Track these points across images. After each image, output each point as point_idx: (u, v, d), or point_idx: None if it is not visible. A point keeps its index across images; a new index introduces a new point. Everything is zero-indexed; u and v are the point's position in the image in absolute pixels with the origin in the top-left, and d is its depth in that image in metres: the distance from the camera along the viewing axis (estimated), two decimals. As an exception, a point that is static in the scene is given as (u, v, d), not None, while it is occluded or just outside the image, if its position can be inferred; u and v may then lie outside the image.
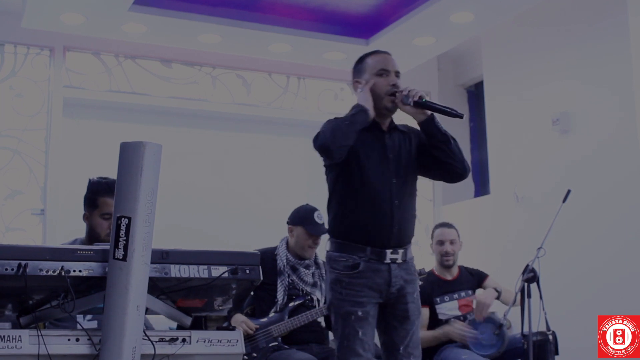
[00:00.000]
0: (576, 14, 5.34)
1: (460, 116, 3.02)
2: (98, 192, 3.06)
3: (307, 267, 4.16)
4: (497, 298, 4.46)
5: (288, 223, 4.23)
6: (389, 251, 3.00)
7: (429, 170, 3.16)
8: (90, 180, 3.13)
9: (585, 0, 5.26)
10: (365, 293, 2.98)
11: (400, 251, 3.03)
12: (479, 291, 4.63)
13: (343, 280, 3.00)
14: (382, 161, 3.06)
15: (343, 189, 3.08)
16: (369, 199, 3.01)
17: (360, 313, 2.96)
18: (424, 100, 3.02)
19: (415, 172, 3.14)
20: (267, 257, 4.09)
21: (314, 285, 4.16)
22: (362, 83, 3.14)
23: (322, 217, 4.14)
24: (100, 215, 3.04)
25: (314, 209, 4.18)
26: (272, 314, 4.07)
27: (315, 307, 4.11)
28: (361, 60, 3.22)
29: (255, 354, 3.96)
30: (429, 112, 3.05)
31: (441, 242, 4.66)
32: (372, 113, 3.04)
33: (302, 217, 4.17)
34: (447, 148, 3.05)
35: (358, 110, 3.04)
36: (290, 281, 4.11)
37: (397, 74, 3.13)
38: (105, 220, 3.02)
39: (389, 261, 3.01)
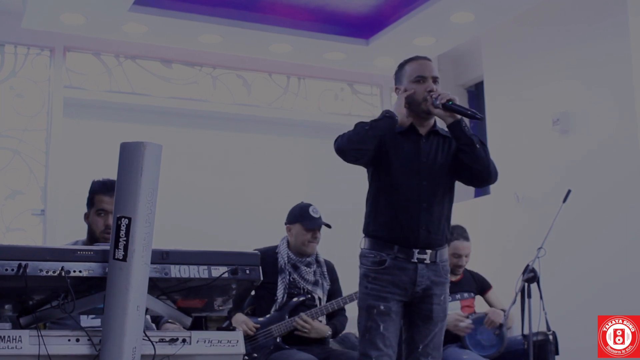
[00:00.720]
0: (576, 14, 5.34)
1: (478, 118, 3.12)
2: (94, 191, 3.10)
3: (308, 265, 4.16)
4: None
5: (286, 224, 4.23)
6: (416, 251, 3.06)
7: (458, 173, 3.19)
8: (92, 181, 3.17)
9: (585, 1, 5.26)
10: (390, 289, 3.05)
11: (429, 252, 3.08)
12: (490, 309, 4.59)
13: (369, 275, 3.09)
14: (414, 164, 3.12)
15: (375, 189, 3.18)
16: (398, 199, 3.09)
17: (382, 307, 3.04)
18: (450, 103, 3.07)
19: (450, 176, 3.18)
20: (268, 255, 4.10)
21: (315, 283, 4.16)
22: (401, 90, 3.21)
23: (318, 211, 4.18)
24: (95, 213, 3.06)
25: (309, 205, 4.20)
26: (272, 313, 4.07)
27: (316, 306, 4.11)
28: (401, 67, 3.29)
29: (255, 354, 3.96)
30: (458, 116, 3.09)
31: (457, 256, 4.59)
32: (402, 119, 3.12)
33: (297, 214, 4.19)
34: (471, 151, 3.08)
35: (383, 116, 3.11)
36: (291, 279, 4.11)
37: (434, 79, 3.20)
38: (99, 217, 3.04)
39: (416, 260, 3.06)
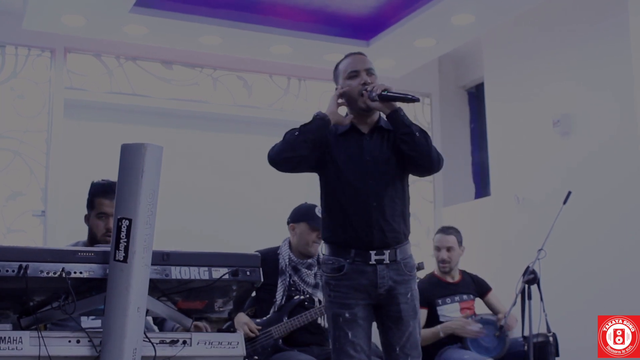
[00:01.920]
0: (577, 15, 5.34)
1: (415, 100, 3.02)
2: (95, 193, 3.10)
3: (309, 267, 4.15)
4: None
5: (289, 222, 4.22)
6: (373, 252, 3.00)
7: (404, 164, 3.11)
8: (91, 183, 3.16)
9: (586, 1, 5.26)
10: (352, 295, 3.00)
11: (387, 252, 3.01)
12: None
13: (330, 283, 3.04)
14: (358, 164, 3.06)
15: (325, 194, 3.13)
16: (347, 201, 3.03)
17: (347, 315, 2.98)
18: (384, 92, 3.01)
19: (399, 171, 3.11)
20: (269, 257, 4.09)
21: (316, 286, 4.15)
22: (338, 89, 3.17)
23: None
24: (96, 216, 3.06)
25: (314, 205, 4.17)
26: (270, 314, 4.07)
27: (314, 307, 4.10)
28: (336, 67, 3.25)
29: (256, 357, 3.96)
30: (396, 105, 3.03)
31: (437, 249, 4.66)
32: (336, 119, 3.07)
33: (303, 213, 4.18)
34: (411, 140, 3.01)
35: (313, 118, 3.07)
36: (291, 282, 4.11)
37: (368, 71, 3.14)
38: (100, 221, 3.04)
39: (374, 262, 3.00)
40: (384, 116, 3.12)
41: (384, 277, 3.01)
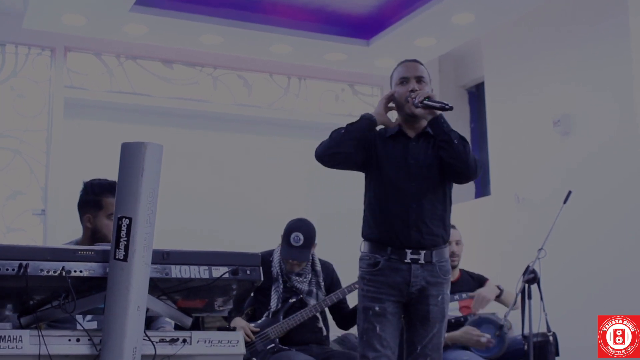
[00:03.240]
0: (577, 16, 5.34)
1: (448, 108, 3.06)
2: (102, 193, 3.03)
3: (299, 275, 4.14)
4: (498, 296, 4.45)
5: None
6: (409, 251, 3.08)
7: (444, 171, 3.19)
8: (89, 183, 3.11)
9: (586, 2, 5.26)
10: (384, 290, 3.07)
11: (423, 252, 3.09)
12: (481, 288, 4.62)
13: (365, 278, 3.14)
14: (402, 166, 3.15)
15: (368, 193, 3.23)
16: (388, 202, 3.13)
17: (377, 308, 3.06)
18: (426, 100, 3.08)
19: (440, 177, 3.18)
20: (264, 260, 4.07)
21: (309, 293, 4.13)
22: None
23: (301, 239, 4.05)
24: (106, 217, 3.00)
25: (295, 229, 4.06)
26: (264, 318, 4.05)
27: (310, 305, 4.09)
28: (393, 72, 3.32)
29: (254, 358, 3.95)
30: (438, 112, 3.10)
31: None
32: (382, 120, 3.18)
33: (284, 234, 4.11)
34: (450, 147, 3.09)
35: (360, 118, 3.19)
36: (285, 287, 4.10)
37: (418, 79, 3.21)
38: (112, 221, 2.99)
39: (409, 261, 3.08)
40: None
41: (417, 276, 3.08)
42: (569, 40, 5.39)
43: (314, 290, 4.15)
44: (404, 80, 3.20)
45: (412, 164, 3.15)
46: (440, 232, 3.16)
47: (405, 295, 3.09)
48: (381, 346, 3.04)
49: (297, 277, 4.12)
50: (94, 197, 3.05)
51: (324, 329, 4.18)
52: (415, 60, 3.31)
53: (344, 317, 4.22)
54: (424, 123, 3.23)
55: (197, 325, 2.45)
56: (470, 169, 3.12)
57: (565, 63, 5.41)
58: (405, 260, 3.07)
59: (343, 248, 4.70)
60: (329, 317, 4.28)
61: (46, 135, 5.51)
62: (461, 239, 4.71)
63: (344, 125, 3.16)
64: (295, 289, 4.10)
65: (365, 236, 3.20)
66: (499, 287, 4.46)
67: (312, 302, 4.10)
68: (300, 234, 4.06)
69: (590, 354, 4.03)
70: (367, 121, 3.15)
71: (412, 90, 3.15)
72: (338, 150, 3.14)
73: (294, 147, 6.36)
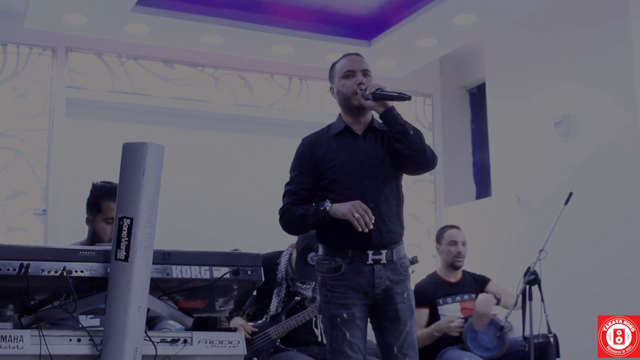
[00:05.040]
0: (578, 17, 5.34)
1: (407, 98, 3.03)
2: (101, 197, 3.05)
3: (303, 282, 4.13)
4: (497, 304, 4.46)
5: (295, 244, 4.15)
6: (370, 252, 3.02)
7: (398, 164, 3.13)
8: (93, 184, 3.13)
9: (588, 3, 5.26)
10: (350, 295, 3.01)
11: (384, 252, 3.04)
12: (478, 299, 4.62)
13: (327, 283, 3.06)
14: (354, 165, 3.09)
15: (322, 197, 3.11)
16: (343, 202, 3.02)
17: (345, 315, 3.00)
18: (378, 91, 3.03)
19: (393, 172, 3.13)
20: (270, 263, 4.07)
21: (312, 300, 4.12)
22: (333, 89, 3.22)
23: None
24: (103, 220, 3.03)
25: (312, 249, 4.01)
26: (264, 320, 4.05)
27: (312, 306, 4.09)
28: (332, 66, 3.27)
29: (255, 358, 3.95)
30: (390, 104, 3.05)
31: (454, 243, 4.67)
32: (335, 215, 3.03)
33: (300, 251, 4.07)
34: (405, 138, 3.03)
35: (319, 212, 3.06)
36: (287, 292, 4.09)
37: (364, 72, 3.15)
38: (108, 225, 3.01)
39: (372, 262, 3.02)
40: (377, 117, 3.14)
41: (381, 277, 3.03)
42: (570, 41, 5.39)
43: (317, 297, 4.13)
44: (349, 74, 3.14)
45: (363, 162, 3.09)
46: (397, 229, 3.11)
47: (371, 297, 3.03)
48: (352, 351, 2.98)
49: (301, 284, 4.10)
50: (95, 199, 3.07)
51: (316, 331, 4.15)
52: (358, 54, 3.25)
53: None
54: (369, 118, 3.18)
55: (199, 326, 2.45)
56: (428, 159, 3.07)
57: (566, 64, 5.41)
58: (368, 262, 3.02)
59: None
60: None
61: (47, 135, 5.50)
62: (466, 240, 4.73)
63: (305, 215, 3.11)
64: (297, 294, 4.09)
65: (323, 239, 3.12)
66: (495, 295, 4.46)
67: (315, 310, 4.08)
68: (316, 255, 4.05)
69: (591, 355, 4.03)
70: (322, 219, 3.04)
71: (360, 83, 3.10)
72: (297, 232, 3.33)
73: (295, 148, 6.34)
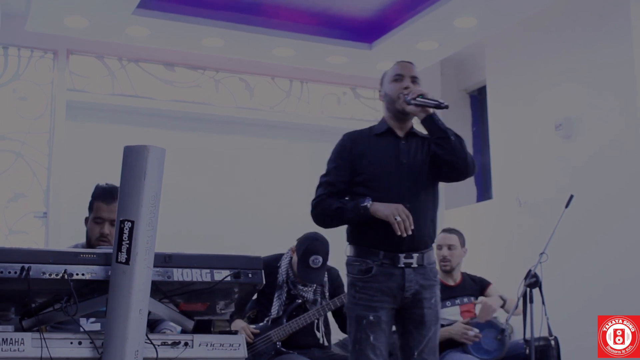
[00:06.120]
0: (579, 19, 5.34)
1: (444, 107, 3.05)
2: (94, 196, 3.08)
3: (305, 285, 4.12)
4: (502, 307, 4.45)
5: (295, 247, 4.12)
6: (402, 255, 3.02)
7: (438, 170, 3.14)
8: (95, 185, 3.16)
9: (588, 6, 5.26)
10: (379, 297, 3.01)
11: (415, 255, 3.04)
12: (484, 298, 4.62)
13: (357, 285, 3.05)
14: (394, 166, 3.10)
15: (355, 193, 3.11)
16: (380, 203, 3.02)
17: (372, 317, 3.00)
18: (420, 97, 3.06)
19: (432, 177, 3.15)
20: (271, 266, 4.07)
21: (314, 302, 4.11)
22: (382, 93, 3.25)
23: (320, 261, 3.98)
24: (93, 219, 3.04)
25: (314, 252, 3.97)
26: (265, 322, 4.04)
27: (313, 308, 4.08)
28: (385, 72, 3.30)
29: (256, 361, 3.95)
30: (431, 110, 3.07)
31: (439, 247, 4.67)
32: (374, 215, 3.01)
33: (302, 255, 4.00)
34: (446, 144, 3.05)
35: (358, 209, 3.04)
36: (291, 294, 4.08)
37: (413, 79, 3.18)
38: (96, 225, 3.00)
39: (403, 265, 3.03)
40: (418, 123, 3.17)
41: (411, 280, 3.04)
42: (571, 43, 5.39)
43: (319, 299, 4.12)
44: (398, 78, 3.17)
45: (404, 164, 3.10)
46: (430, 234, 3.13)
47: (399, 300, 3.04)
48: (374, 355, 2.98)
49: (302, 287, 4.09)
50: (91, 198, 3.10)
51: (317, 334, 4.14)
52: (410, 62, 3.28)
53: (345, 321, 4.21)
54: (411, 123, 3.21)
55: (201, 329, 2.45)
56: (468, 165, 3.09)
57: (567, 66, 5.41)
58: (399, 265, 3.02)
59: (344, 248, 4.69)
60: (331, 320, 4.27)
61: (48, 138, 5.51)
62: (457, 244, 4.68)
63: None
64: (299, 296, 4.09)
65: (354, 240, 3.12)
66: (501, 297, 4.46)
67: (316, 313, 4.06)
68: (319, 257, 3.99)
69: (591, 356, 4.02)
70: (361, 216, 3.03)
71: (406, 88, 3.12)
72: (329, 225, 3.17)
73: (295, 150, 6.36)
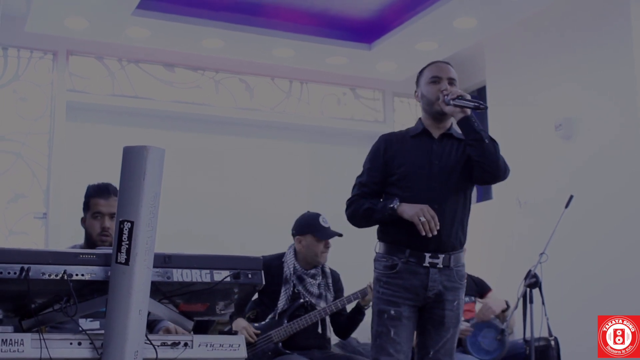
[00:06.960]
0: (579, 19, 5.34)
1: (483, 108, 3.09)
2: (89, 195, 3.13)
3: (313, 276, 4.12)
4: (504, 311, 4.45)
5: (294, 234, 4.17)
6: (427, 255, 3.05)
7: (470, 171, 3.15)
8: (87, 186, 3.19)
9: (588, 6, 5.26)
10: (401, 294, 3.05)
11: (441, 256, 3.07)
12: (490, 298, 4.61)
13: (382, 280, 3.11)
14: (425, 167, 3.13)
15: (388, 193, 3.16)
16: (408, 202, 3.05)
17: (393, 312, 3.04)
18: (459, 98, 3.08)
19: (464, 179, 3.16)
20: (274, 264, 4.07)
21: (319, 296, 4.11)
22: (418, 93, 3.27)
23: (327, 220, 4.13)
24: (91, 216, 3.08)
25: (317, 215, 4.15)
26: (269, 319, 4.05)
27: (314, 309, 4.08)
28: (421, 71, 3.33)
29: (255, 361, 3.95)
30: (468, 111, 3.09)
31: None
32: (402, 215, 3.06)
33: (308, 225, 4.12)
34: (480, 146, 3.07)
35: (387, 211, 3.09)
36: (295, 291, 4.09)
37: (450, 80, 3.20)
38: (96, 220, 3.06)
39: (428, 265, 3.05)
40: (455, 125, 3.18)
41: (435, 280, 3.06)
42: (570, 44, 5.39)
43: (324, 292, 4.14)
44: (436, 79, 3.19)
45: (435, 165, 3.13)
46: (459, 236, 3.15)
47: (422, 299, 3.07)
48: (394, 350, 3.01)
49: (310, 280, 4.10)
50: (85, 199, 3.13)
51: (325, 332, 4.16)
52: (446, 62, 3.32)
53: (341, 326, 4.22)
54: (449, 124, 3.23)
55: (200, 329, 2.45)
56: (500, 169, 3.11)
57: (567, 67, 5.41)
58: (424, 264, 3.05)
59: (345, 252, 4.70)
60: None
61: (48, 139, 5.51)
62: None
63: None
64: (302, 295, 4.09)
65: (383, 237, 3.16)
66: (507, 303, 4.46)
67: (322, 304, 4.09)
68: (324, 216, 4.14)
69: (591, 357, 4.02)
70: (388, 217, 3.09)
71: (445, 90, 3.14)
72: (361, 225, 3.22)
73: (295, 151, 6.36)
